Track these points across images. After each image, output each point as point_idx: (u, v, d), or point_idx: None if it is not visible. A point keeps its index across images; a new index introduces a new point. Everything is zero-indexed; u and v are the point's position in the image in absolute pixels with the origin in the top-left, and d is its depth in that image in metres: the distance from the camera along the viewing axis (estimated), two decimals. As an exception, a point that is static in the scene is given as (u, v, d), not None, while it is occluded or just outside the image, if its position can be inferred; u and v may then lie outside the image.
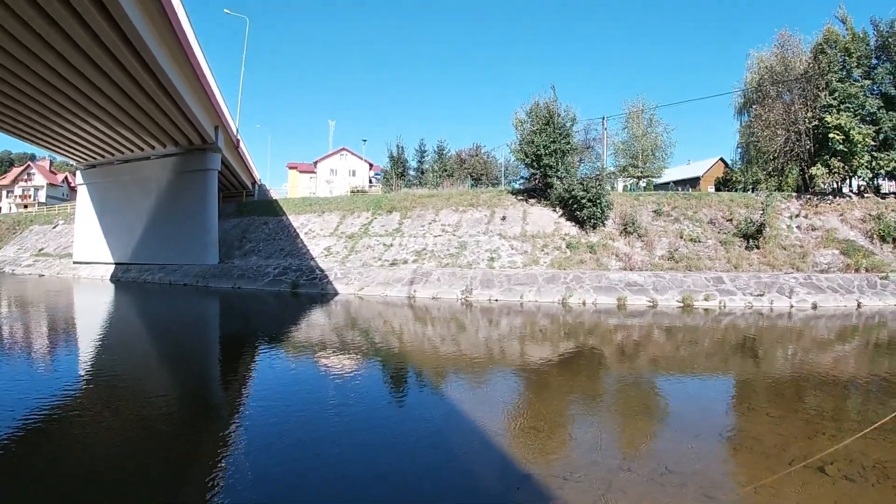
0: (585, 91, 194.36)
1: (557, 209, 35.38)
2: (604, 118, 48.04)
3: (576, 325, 20.53)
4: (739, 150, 50.75)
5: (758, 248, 29.94)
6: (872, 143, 33.77)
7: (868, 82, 34.91)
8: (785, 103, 37.55)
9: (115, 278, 40.47)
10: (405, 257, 33.41)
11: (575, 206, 33.40)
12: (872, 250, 29.60)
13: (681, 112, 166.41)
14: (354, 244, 36.66)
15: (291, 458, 7.16)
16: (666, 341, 17.97)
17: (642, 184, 52.12)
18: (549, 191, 36.06)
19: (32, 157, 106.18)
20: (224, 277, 35.17)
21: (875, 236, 30.85)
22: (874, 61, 36.09)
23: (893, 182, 40.61)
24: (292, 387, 11.10)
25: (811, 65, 36.15)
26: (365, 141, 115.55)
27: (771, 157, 38.93)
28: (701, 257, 29.47)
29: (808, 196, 35.19)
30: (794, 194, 36.04)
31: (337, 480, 6.59)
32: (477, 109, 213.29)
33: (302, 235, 39.89)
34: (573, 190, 33.34)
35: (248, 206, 48.60)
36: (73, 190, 74.29)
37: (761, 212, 31.21)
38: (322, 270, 33.13)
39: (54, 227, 57.90)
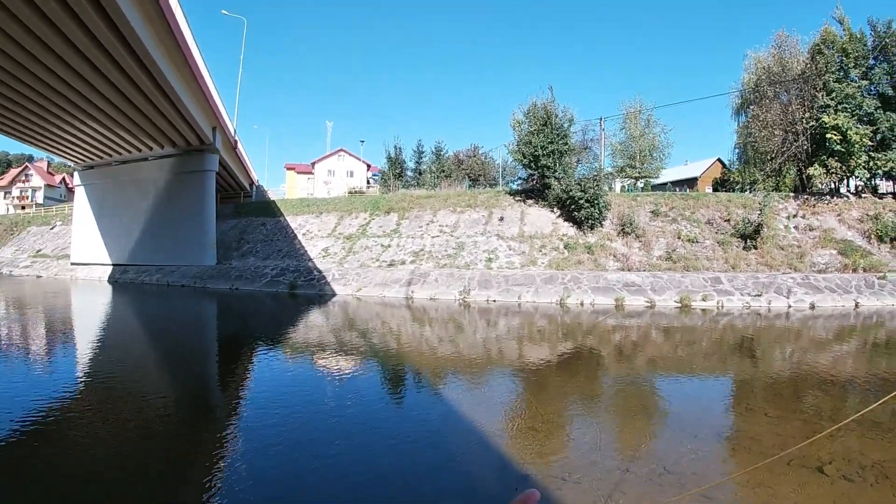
0: (583, 92, 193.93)
1: (555, 210, 35.38)
2: (601, 119, 48.14)
3: (574, 326, 20.54)
4: (737, 150, 50.79)
5: (755, 248, 29.96)
6: (870, 143, 33.83)
7: (865, 83, 35.02)
8: (782, 104, 37.61)
9: (112, 279, 40.38)
10: (403, 258, 33.39)
11: (573, 206, 33.40)
12: (870, 250, 29.62)
13: (678, 113, 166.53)
14: (352, 245, 36.63)
15: (290, 459, 7.16)
16: (664, 342, 17.98)
17: (640, 184, 52.09)
18: (546, 191, 36.06)
19: (30, 158, 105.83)
20: (222, 278, 35.12)
21: (873, 236, 30.89)
22: (871, 62, 36.15)
23: (891, 182, 40.60)
24: (291, 388, 11.10)
25: (808, 65, 36.23)
26: (363, 142, 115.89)
27: (768, 158, 39.04)
28: (699, 258, 29.48)
29: (806, 196, 35.22)
30: (792, 195, 36.07)
31: (336, 480, 6.60)
32: (475, 110, 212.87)
33: (300, 236, 39.84)
34: (571, 190, 33.35)
35: (246, 207, 48.52)
36: (70, 191, 74.13)
37: (759, 212, 31.24)
38: (320, 271, 33.10)
39: (52, 229, 57.78)
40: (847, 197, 35.90)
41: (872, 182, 38.17)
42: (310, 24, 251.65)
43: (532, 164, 36.79)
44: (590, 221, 32.93)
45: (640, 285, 26.29)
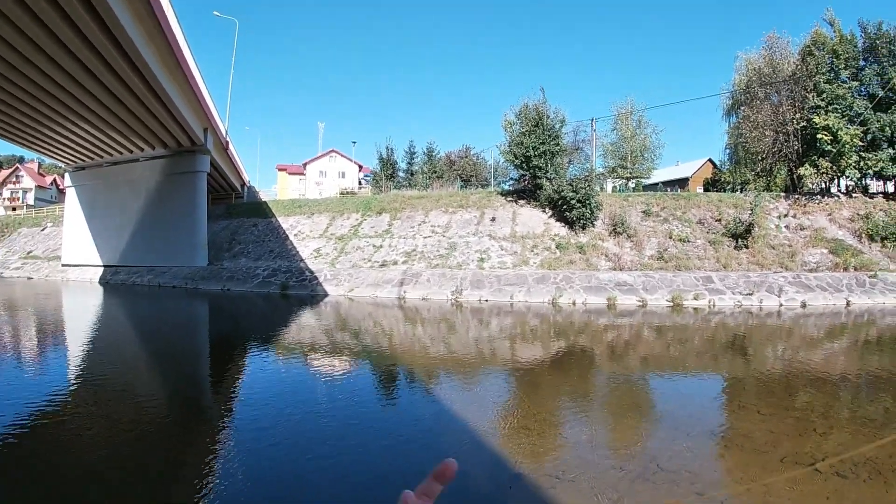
0: (574, 93, 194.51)
1: (547, 210, 35.41)
2: (593, 120, 48.31)
3: (566, 325, 20.54)
4: (728, 150, 51.00)
5: (747, 247, 30.05)
6: (860, 143, 34.04)
7: (856, 83, 35.20)
8: (773, 104, 37.78)
9: (103, 281, 40.20)
10: (395, 258, 33.35)
11: (564, 206, 33.42)
12: (861, 249, 29.76)
13: (669, 113, 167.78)
14: (344, 246, 36.56)
15: (289, 459, 7.12)
16: (656, 341, 18.00)
17: (631, 185, 52.20)
18: (538, 192, 36.09)
19: (21, 160, 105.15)
20: (213, 279, 34.99)
21: (863, 235, 31.04)
22: (862, 63, 36.40)
23: (881, 182, 40.82)
24: (283, 389, 11.05)
25: (799, 66, 36.45)
26: (354, 143, 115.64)
27: (759, 158, 39.20)
28: (690, 257, 29.55)
29: (797, 196, 35.38)
30: (783, 194, 36.22)
31: (337, 480, 6.55)
32: (473, 111, 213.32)
33: (291, 237, 39.74)
34: (562, 191, 33.38)
35: (238, 208, 48.34)
36: (61, 192, 73.79)
37: (750, 212, 31.33)
38: (312, 272, 33.02)
39: (43, 230, 57.44)
40: (838, 197, 36.08)
41: (863, 182, 38.40)
42: (302, 25, 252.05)
43: (524, 164, 36.80)
44: (581, 221, 32.96)
45: (631, 285, 26.32)
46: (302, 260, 35.70)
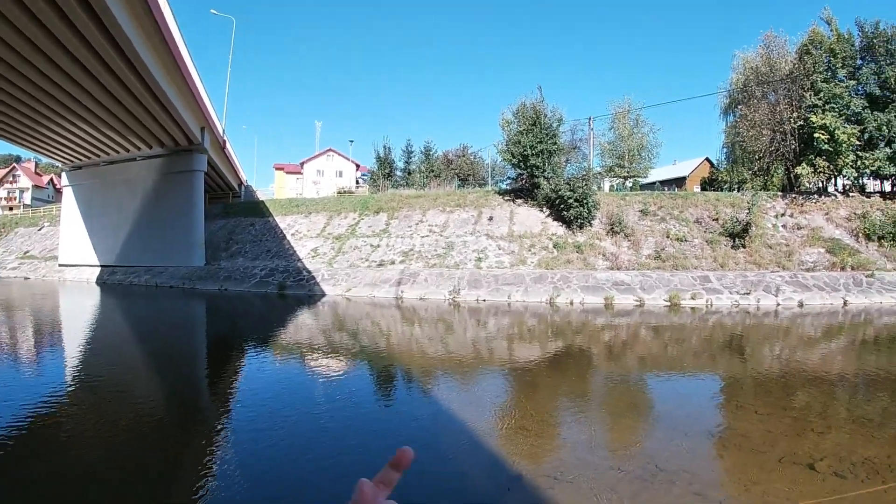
0: (574, 93, 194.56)
1: (544, 209, 35.39)
2: (590, 119, 48.18)
3: (564, 325, 20.54)
4: (725, 150, 51.03)
5: (744, 247, 30.07)
6: (857, 142, 34.05)
7: (853, 83, 35.25)
8: (770, 103, 37.80)
9: (100, 281, 40.13)
10: (392, 258, 33.32)
11: (562, 206, 33.42)
12: (858, 249, 29.79)
13: (667, 112, 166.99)
14: (341, 245, 36.52)
15: (288, 459, 7.11)
16: (654, 340, 18.01)
17: (628, 184, 52.21)
18: (535, 191, 36.08)
19: (18, 159, 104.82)
20: (210, 279, 34.95)
21: (860, 235, 31.05)
22: (859, 62, 36.43)
23: (878, 181, 40.86)
24: (281, 389, 11.03)
25: (796, 65, 36.45)
26: (352, 142, 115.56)
27: (756, 157, 39.24)
28: (687, 256, 29.56)
29: (794, 195, 35.39)
30: (780, 194, 36.24)
31: (337, 480, 6.53)
32: (465, 111, 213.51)
33: (289, 237, 39.69)
34: (560, 190, 33.37)
35: (235, 208, 48.27)
36: (58, 192, 73.42)
37: (747, 211, 31.33)
38: (309, 272, 32.99)
39: (40, 230, 57.30)
40: (835, 196, 36.09)
41: (860, 181, 38.39)
42: (299, 24, 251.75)
43: (521, 163, 36.78)
44: (579, 221, 32.95)
45: (629, 284, 26.33)
46: (299, 259, 35.66)
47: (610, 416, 9.47)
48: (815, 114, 33.94)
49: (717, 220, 32.86)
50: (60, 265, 45.86)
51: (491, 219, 35.73)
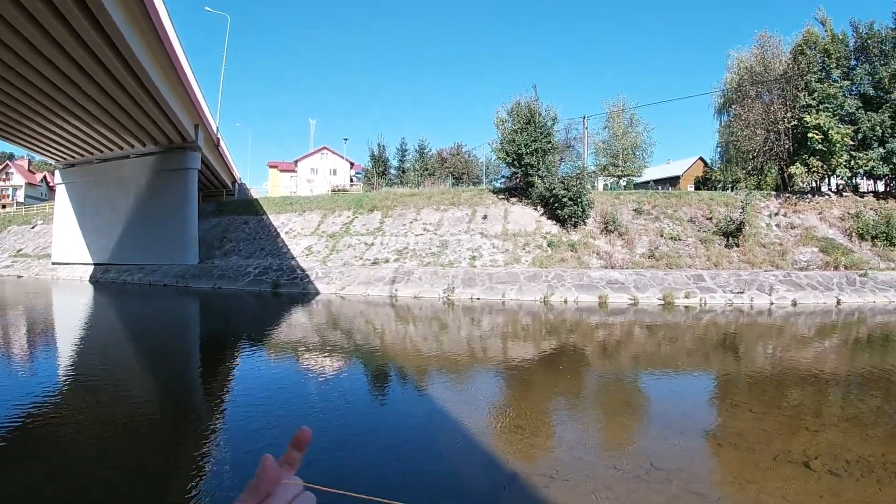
0: (571, 92, 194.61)
1: (538, 208, 35.42)
2: (584, 117, 48.33)
3: (558, 324, 20.54)
4: (719, 149, 51.38)
5: (737, 246, 30.15)
6: (851, 142, 34.15)
7: (847, 83, 35.31)
8: (764, 103, 37.96)
9: (94, 279, 40.00)
10: (387, 256, 33.30)
11: (556, 204, 33.45)
12: (851, 248, 29.88)
13: (661, 112, 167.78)
14: (335, 243, 36.48)
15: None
16: (648, 339, 18.03)
17: (622, 183, 52.32)
18: (530, 189, 36.13)
19: (11, 157, 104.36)
20: (204, 277, 34.86)
21: (854, 234, 31.16)
22: (853, 62, 36.55)
23: (872, 181, 41.04)
24: (277, 389, 10.97)
25: (791, 65, 36.59)
26: (346, 140, 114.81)
27: (750, 157, 39.40)
28: (681, 255, 29.61)
29: (788, 195, 35.51)
30: (774, 193, 36.35)
31: (333, 480, 6.49)
32: (465, 111, 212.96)
33: (283, 235, 39.64)
34: (554, 189, 33.40)
35: (229, 206, 48.20)
36: (51, 190, 73.07)
37: (741, 210, 31.40)
38: (303, 270, 32.95)
39: (33, 228, 57.05)
40: (828, 195, 36.21)
41: (853, 181, 38.57)
42: (293, 21, 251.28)
43: (515, 162, 36.84)
44: (573, 219, 33.00)
45: (623, 283, 26.36)
46: (293, 258, 35.61)
47: (605, 415, 9.46)
48: (809, 114, 34.04)
49: (710, 219, 32.94)
50: (54, 263, 45.65)
51: (485, 217, 35.75)
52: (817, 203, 34.57)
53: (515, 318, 21.69)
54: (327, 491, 1.14)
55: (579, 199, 32.74)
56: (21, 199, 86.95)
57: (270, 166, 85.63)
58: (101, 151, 41.41)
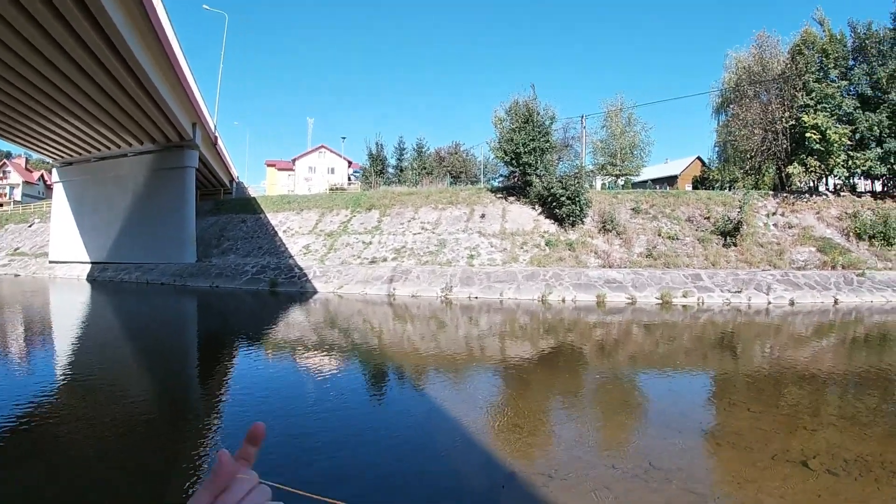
0: (571, 92, 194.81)
1: (536, 207, 35.42)
2: (582, 117, 48.33)
3: (556, 323, 20.54)
4: (717, 149, 51.27)
5: (735, 245, 30.18)
6: (849, 142, 34.22)
7: (845, 83, 35.36)
8: (762, 103, 37.98)
9: (91, 278, 39.94)
10: (385, 255, 33.28)
11: (554, 203, 33.45)
12: (849, 248, 29.92)
13: (659, 111, 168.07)
14: (333, 242, 36.45)
15: (287, 460, 7.06)
16: (646, 338, 18.02)
17: (620, 182, 52.31)
18: (528, 189, 36.13)
19: (8, 155, 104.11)
20: (201, 276, 34.82)
21: (851, 234, 31.20)
22: (851, 62, 36.61)
23: (869, 181, 41.11)
24: (275, 389, 10.96)
25: (789, 65, 36.62)
26: (344, 139, 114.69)
27: (748, 156, 39.45)
28: (679, 254, 29.63)
29: (785, 194, 35.56)
30: (771, 193, 36.42)
31: (333, 479, 6.51)
32: (464, 111, 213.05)
33: (280, 233, 39.60)
34: (552, 188, 33.40)
35: (226, 204, 48.13)
36: (49, 188, 72.99)
37: (738, 210, 31.43)
38: (301, 269, 32.92)
39: (30, 226, 56.98)
40: (826, 195, 36.27)
41: (851, 181, 38.59)
42: (291, 20, 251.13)
43: (513, 161, 36.84)
44: (571, 219, 33.00)
45: (621, 282, 26.37)
46: (291, 256, 35.58)
47: (603, 414, 9.46)
48: (806, 113, 34.10)
49: (708, 218, 32.98)
50: (51, 262, 45.61)
51: (483, 216, 35.74)
52: (815, 203, 34.63)
53: (513, 317, 21.69)
54: (281, 488, 1.15)
55: (577, 199, 32.75)
56: (18, 198, 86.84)
57: (268, 165, 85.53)
58: (99, 150, 41.36)
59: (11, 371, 12.47)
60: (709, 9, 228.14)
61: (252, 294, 29.82)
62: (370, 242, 35.24)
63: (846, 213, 33.10)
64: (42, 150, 44.22)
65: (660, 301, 24.60)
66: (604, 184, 53.82)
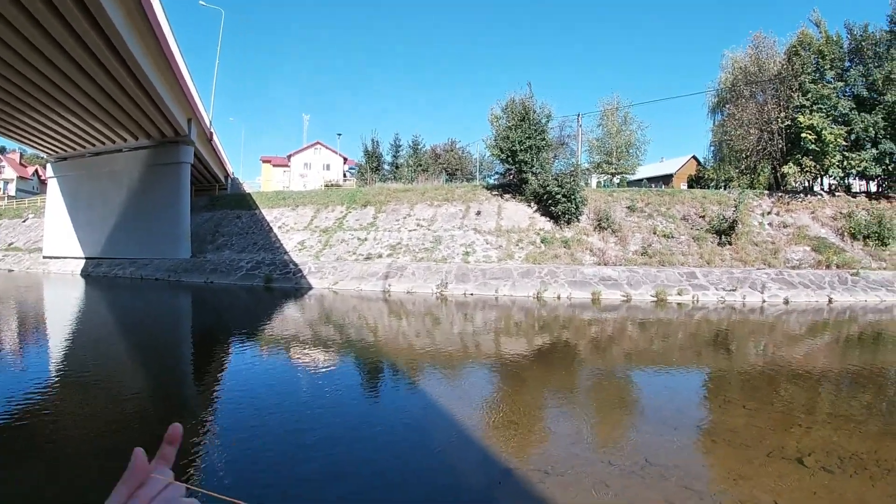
0: (564, 90, 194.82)
1: (532, 204, 35.45)
2: (579, 115, 48.34)
3: (551, 320, 20.56)
4: (712, 148, 51.49)
5: (730, 244, 30.27)
6: (844, 143, 34.31)
7: (841, 84, 35.47)
8: (758, 103, 38.09)
9: (85, 273, 39.78)
10: (380, 251, 33.24)
11: (549, 201, 33.48)
12: (843, 247, 30.02)
13: (655, 110, 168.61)
14: (329, 238, 36.40)
15: (286, 459, 7.05)
16: (641, 335, 18.05)
17: (616, 180, 52.47)
18: (523, 186, 36.16)
19: (2, 150, 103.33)
20: (196, 272, 34.72)
21: (846, 234, 31.31)
22: (847, 64, 36.78)
23: (864, 181, 41.26)
24: (271, 385, 10.94)
25: (785, 66, 36.73)
26: (339, 135, 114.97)
27: (743, 156, 39.57)
28: (674, 252, 29.70)
29: (780, 194, 35.67)
30: (766, 192, 36.52)
31: (328, 476, 6.49)
32: (452, 105, 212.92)
33: (275, 229, 39.51)
34: (548, 185, 33.43)
35: (221, 200, 47.98)
36: (43, 183, 72.58)
37: (734, 209, 31.50)
38: (296, 264, 32.84)
39: (24, 221, 56.73)
40: (821, 195, 36.37)
41: (846, 181, 38.77)
42: (287, 16, 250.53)
43: (509, 158, 36.86)
44: (566, 216, 33.04)
45: (616, 280, 26.40)
46: (286, 252, 35.50)
47: (599, 411, 9.47)
48: (802, 114, 34.18)
49: (703, 217, 33.04)
50: (45, 257, 45.36)
51: (479, 213, 35.74)
52: (810, 202, 34.72)
53: (509, 314, 21.71)
54: (192, 489, 1.24)
55: (573, 196, 32.79)
56: (12, 193, 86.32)
57: (263, 161, 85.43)
58: (94, 145, 41.21)
59: (5, 367, 12.42)
60: (706, 9, 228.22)
61: (247, 290, 29.76)
62: (365, 239, 35.20)
63: (841, 213, 33.20)
64: (37, 146, 43.99)
65: (655, 299, 24.64)
66: (599, 182, 53.95)
